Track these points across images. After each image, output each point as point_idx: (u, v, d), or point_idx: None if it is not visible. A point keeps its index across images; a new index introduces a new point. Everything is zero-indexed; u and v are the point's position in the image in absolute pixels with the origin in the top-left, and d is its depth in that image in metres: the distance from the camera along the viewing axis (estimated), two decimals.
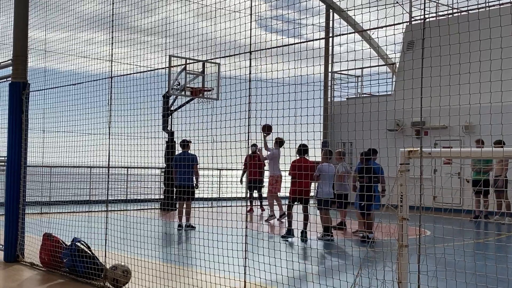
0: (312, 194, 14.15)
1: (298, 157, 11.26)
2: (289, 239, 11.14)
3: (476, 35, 4.33)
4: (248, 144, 5.70)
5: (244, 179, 17.04)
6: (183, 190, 12.17)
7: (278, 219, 14.55)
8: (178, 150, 13.24)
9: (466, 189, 15.74)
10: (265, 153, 14.51)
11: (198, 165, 12.54)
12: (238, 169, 17.92)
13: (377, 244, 4.51)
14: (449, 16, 19.09)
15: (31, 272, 7.84)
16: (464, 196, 16.16)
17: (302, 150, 11.10)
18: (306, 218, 11.27)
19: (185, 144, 12.37)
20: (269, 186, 14.41)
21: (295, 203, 11.50)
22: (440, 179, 12.65)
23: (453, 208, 13.77)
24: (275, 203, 14.68)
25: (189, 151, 12.51)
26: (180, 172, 12.31)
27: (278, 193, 14.52)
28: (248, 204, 17.18)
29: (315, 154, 10.33)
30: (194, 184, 12.86)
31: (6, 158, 8.71)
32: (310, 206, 12.18)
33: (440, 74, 4.17)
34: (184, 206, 12.85)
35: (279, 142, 13.04)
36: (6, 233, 8.46)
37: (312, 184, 14.07)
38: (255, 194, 17.21)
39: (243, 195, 18.24)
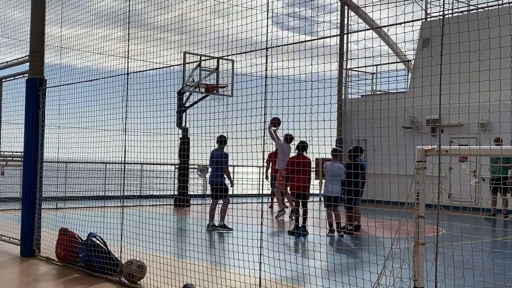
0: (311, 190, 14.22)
1: (296, 154, 11.58)
2: (298, 235, 11.16)
3: (496, 32, 4.28)
4: (264, 141, 5.69)
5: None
6: (215, 187, 11.69)
7: (276, 217, 14.45)
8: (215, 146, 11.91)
9: (483, 186, 15.60)
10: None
11: (227, 164, 11.75)
12: (254, 166, 17.91)
13: (396, 243, 4.48)
14: (467, 12, 18.90)
15: (47, 266, 7.91)
16: (480, 194, 16.02)
17: (301, 147, 11.26)
18: (305, 213, 11.45)
19: (221, 140, 11.42)
20: (276, 182, 14.32)
21: (298, 199, 11.66)
22: (459, 177, 12.55)
23: (471, 207, 13.67)
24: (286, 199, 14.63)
25: (222, 148, 11.69)
26: (214, 169, 11.85)
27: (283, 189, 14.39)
28: (269, 200, 17.18)
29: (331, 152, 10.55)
30: (227, 182, 12.17)
31: (23, 153, 8.78)
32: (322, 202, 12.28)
33: (459, 71, 4.13)
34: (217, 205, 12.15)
35: (289, 139, 13.09)
36: (22, 228, 8.55)
37: (312, 181, 14.20)
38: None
39: (259, 192, 18.22)
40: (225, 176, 12.01)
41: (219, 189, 11.67)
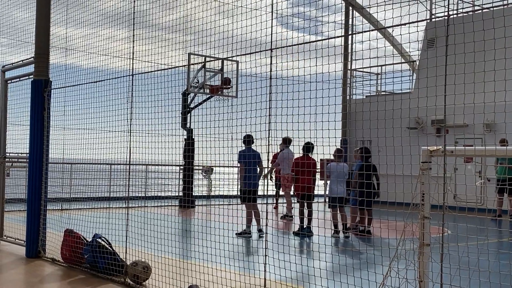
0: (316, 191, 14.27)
1: (301, 155, 11.59)
2: (303, 236, 11.13)
3: (501, 32, 4.27)
4: (269, 141, 5.68)
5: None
6: (253, 190, 11.05)
7: (283, 217, 14.38)
8: (241, 146, 11.07)
9: (489, 186, 15.57)
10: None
11: (261, 163, 11.40)
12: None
13: (401, 244, 4.48)
14: (472, 13, 18.87)
15: (52, 267, 7.92)
16: (486, 194, 15.98)
17: (306, 147, 11.23)
18: (310, 214, 11.44)
19: (249, 140, 10.79)
20: (282, 186, 14.35)
21: (303, 200, 11.62)
22: (465, 177, 12.54)
23: (476, 207, 13.66)
24: (292, 201, 14.64)
25: (250, 148, 11.12)
26: (249, 171, 11.17)
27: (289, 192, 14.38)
28: (274, 201, 17.18)
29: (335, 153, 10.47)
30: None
31: (28, 155, 8.81)
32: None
33: (464, 72, 4.12)
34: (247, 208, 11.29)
35: (287, 141, 13.06)
36: (28, 229, 8.57)
37: (316, 182, 14.18)
38: (282, 192, 17.15)
39: (264, 193, 18.19)
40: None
41: (255, 192, 11.19)
